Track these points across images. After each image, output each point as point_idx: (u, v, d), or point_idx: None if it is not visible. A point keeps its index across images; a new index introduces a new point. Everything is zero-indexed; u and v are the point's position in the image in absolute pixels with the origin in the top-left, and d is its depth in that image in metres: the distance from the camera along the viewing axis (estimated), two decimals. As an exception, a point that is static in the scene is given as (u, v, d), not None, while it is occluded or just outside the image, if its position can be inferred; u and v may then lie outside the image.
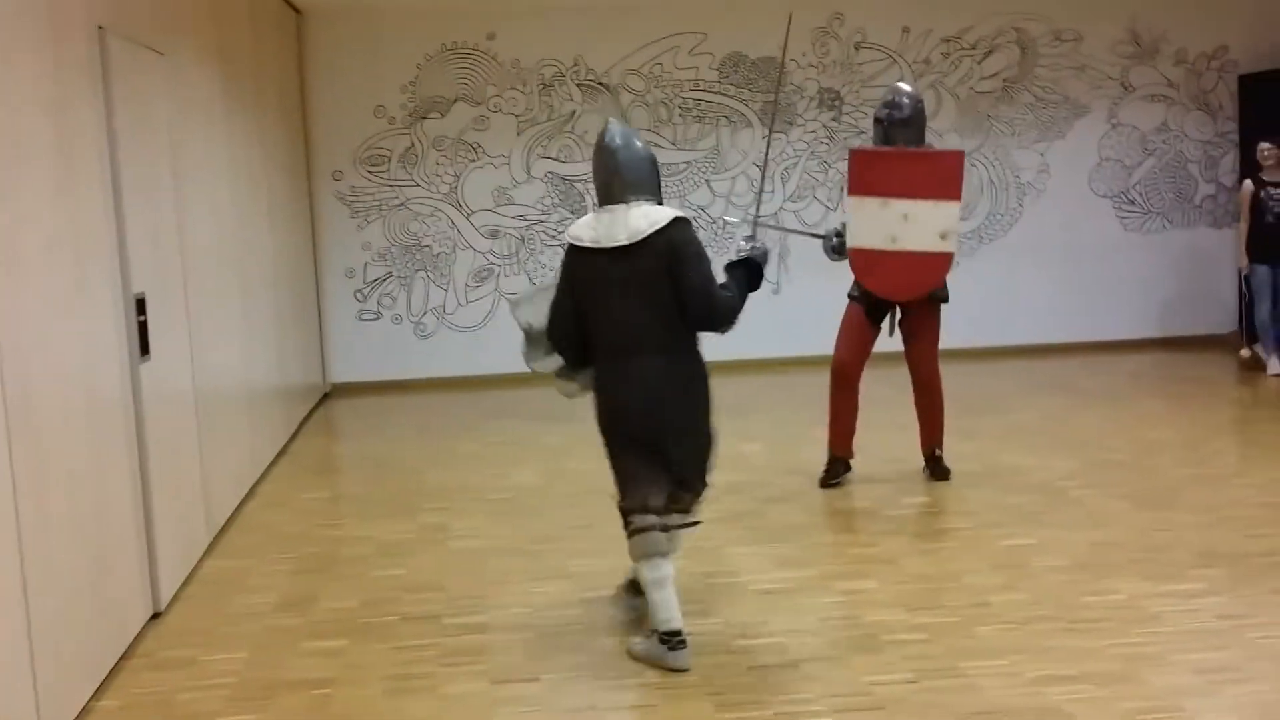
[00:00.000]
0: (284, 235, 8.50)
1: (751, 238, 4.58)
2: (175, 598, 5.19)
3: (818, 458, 6.68)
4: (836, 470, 6.56)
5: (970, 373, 9.66)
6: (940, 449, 6.63)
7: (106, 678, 4.34)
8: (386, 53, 9.93)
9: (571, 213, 10.17)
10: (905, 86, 6.52)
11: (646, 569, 4.29)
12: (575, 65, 10.10)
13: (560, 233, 10.17)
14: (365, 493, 6.93)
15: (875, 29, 10.30)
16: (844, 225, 6.39)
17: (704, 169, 10.25)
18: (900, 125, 6.29)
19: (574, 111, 10.13)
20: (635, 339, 4.23)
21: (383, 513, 6.42)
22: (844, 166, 9.43)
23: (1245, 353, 9.65)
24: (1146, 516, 5.84)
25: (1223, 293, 10.83)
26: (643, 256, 4.19)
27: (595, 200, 4.40)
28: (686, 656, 4.25)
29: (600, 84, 10.13)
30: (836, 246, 6.41)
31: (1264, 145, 9.35)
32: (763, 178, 5.15)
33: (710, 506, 6.17)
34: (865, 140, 9.38)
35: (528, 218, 10.19)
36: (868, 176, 6.17)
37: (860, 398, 6.52)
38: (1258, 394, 8.86)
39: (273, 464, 7.56)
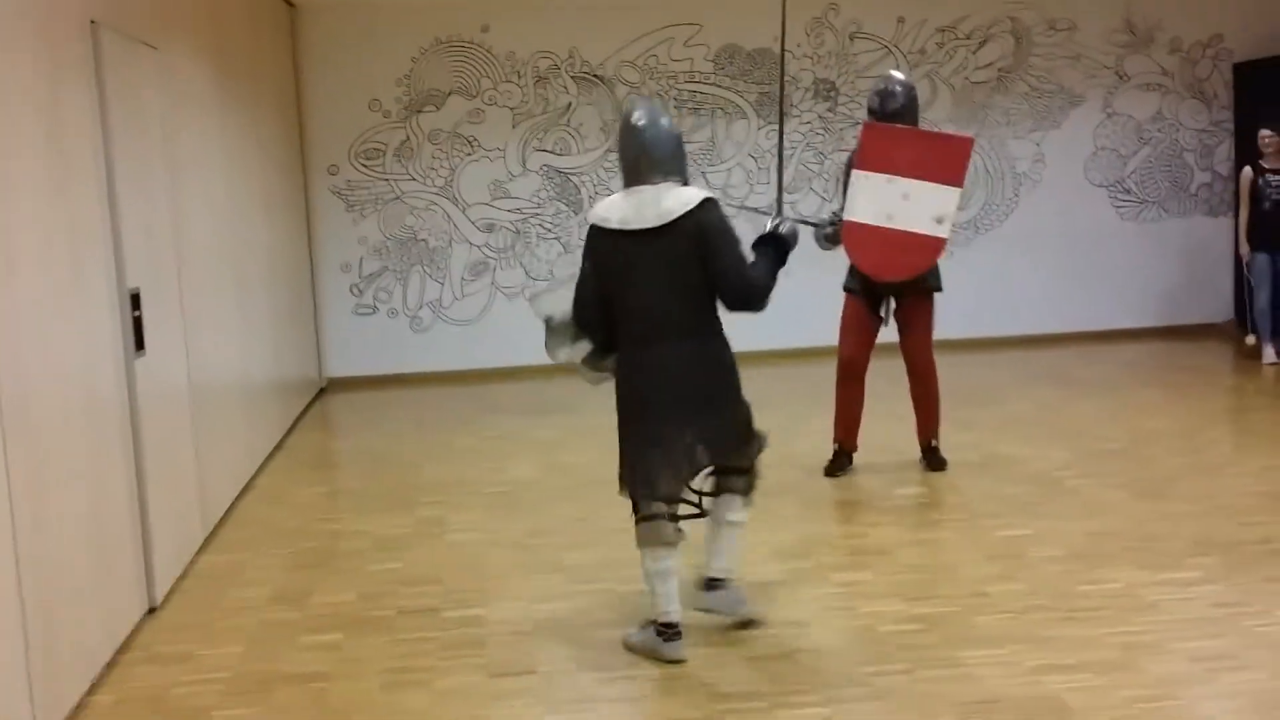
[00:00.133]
0: (279, 230, 8.49)
1: (778, 214, 4.53)
2: (171, 592, 5.19)
3: (814, 449, 6.68)
4: (841, 462, 6.57)
5: (966, 363, 9.65)
6: (937, 439, 6.64)
7: (102, 672, 4.33)
8: (381, 46, 9.91)
9: (567, 205, 10.16)
10: (898, 75, 6.51)
11: (650, 559, 4.28)
12: (570, 58, 10.08)
13: (556, 226, 10.17)
14: (362, 487, 6.92)
15: (870, 19, 10.28)
16: (836, 214, 6.36)
17: (699, 161, 10.23)
18: (894, 114, 6.28)
19: (569, 104, 10.12)
20: (662, 322, 4.17)
21: (379, 507, 6.41)
22: (840, 158, 9.43)
23: (1250, 339, 9.62)
24: (1142, 506, 5.84)
25: (1219, 281, 10.83)
26: (672, 238, 4.11)
27: (622, 179, 4.29)
28: (681, 648, 4.25)
29: (595, 76, 10.11)
30: (831, 235, 6.38)
31: (1265, 132, 9.34)
32: (780, 162, 5.11)
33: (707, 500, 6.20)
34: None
35: (523, 211, 10.18)
36: (876, 152, 6.12)
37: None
38: (1254, 382, 8.87)
39: (269, 459, 7.55)
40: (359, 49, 9.88)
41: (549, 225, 10.19)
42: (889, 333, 6.53)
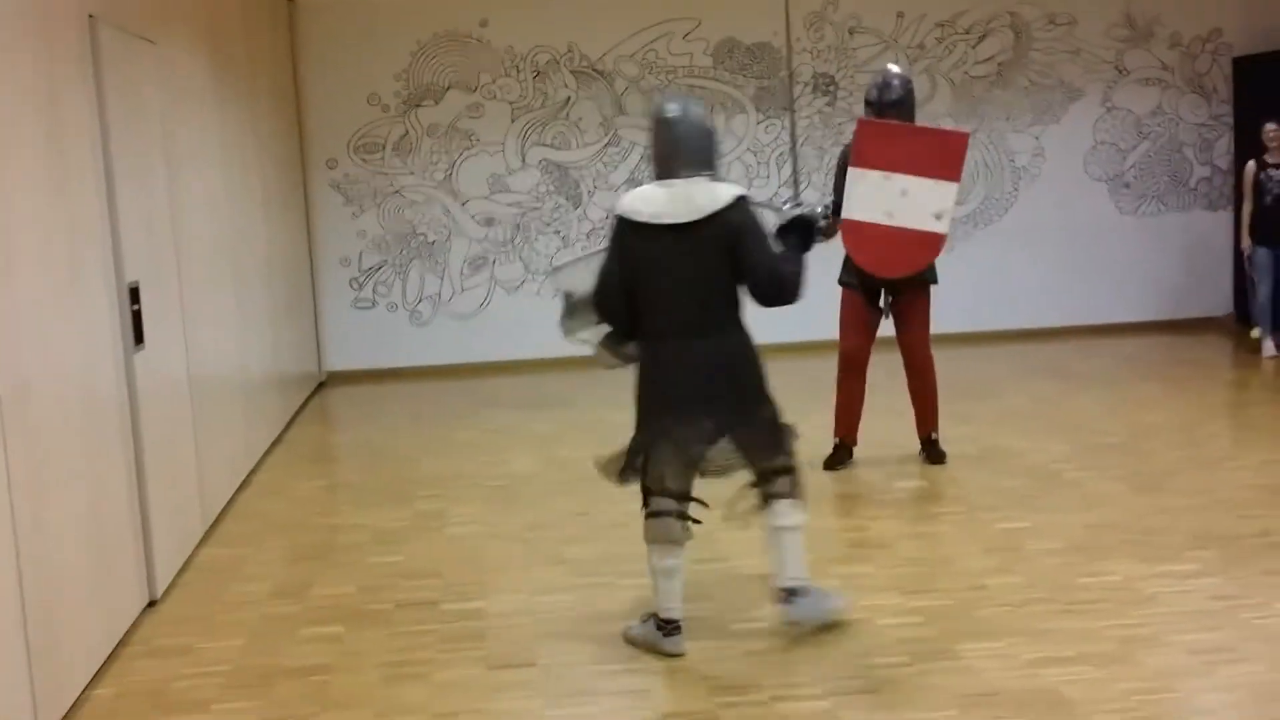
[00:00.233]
0: (278, 224, 8.49)
1: (797, 201, 4.51)
2: (171, 586, 5.19)
3: (812, 442, 6.67)
4: (841, 456, 6.58)
5: (965, 357, 9.67)
6: (936, 433, 6.65)
7: (102, 666, 4.34)
8: (379, 40, 9.91)
9: (566, 200, 10.16)
10: (895, 68, 6.52)
11: (656, 555, 4.27)
12: (569, 52, 10.07)
13: (555, 220, 10.17)
14: (361, 480, 6.93)
15: (869, 14, 10.28)
16: (826, 207, 6.35)
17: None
18: (892, 106, 6.29)
19: (568, 98, 10.11)
20: (688, 317, 4.14)
21: (379, 500, 6.42)
22: (839, 152, 9.42)
23: (1256, 333, 9.61)
24: (1141, 499, 5.85)
25: (1218, 276, 10.83)
26: (703, 234, 4.08)
27: (653, 172, 4.26)
28: (681, 642, 4.25)
29: (594, 71, 10.11)
30: (824, 229, 6.37)
31: (1270, 126, 9.33)
32: (795, 154, 5.13)
33: (703, 491, 6.20)
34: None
35: (522, 205, 10.18)
36: (873, 149, 6.13)
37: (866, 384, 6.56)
38: (1253, 376, 8.87)
39: (268, 452, 7.56)
40: (358, 43, 9.88)
41: (548, 219, 10.19)
42: (887, 326, 6.54)
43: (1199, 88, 10.70)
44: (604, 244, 4.35)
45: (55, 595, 3.93)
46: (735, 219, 4.10)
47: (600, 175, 10.18)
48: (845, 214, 6.14)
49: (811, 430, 6.80)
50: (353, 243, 10.10)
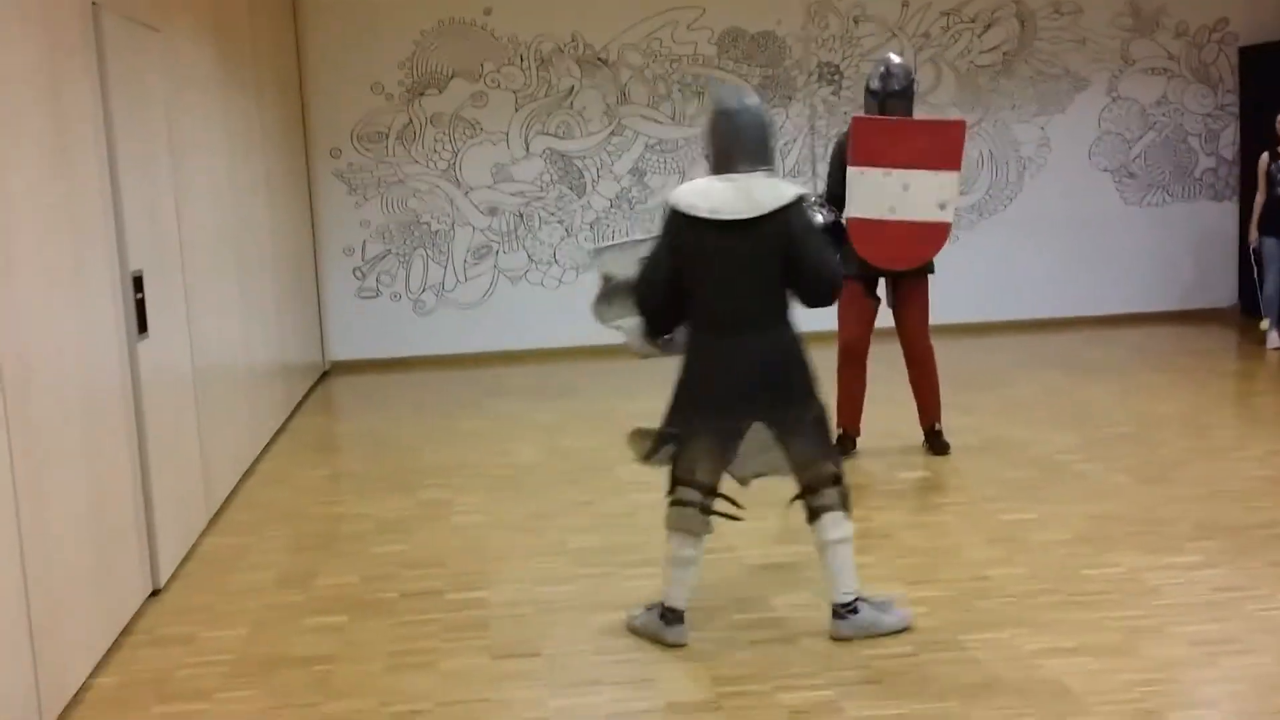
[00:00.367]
0: (282, 213, 8.48)
1: (822, 204, 4.49)
2: (175, 575, 5.20)
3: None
4: (845, 446, 6.58)
5: (970, 348, 9.66)
6: (939, 423, 6.64)
7: (106, 655, 4.35)
8: (383, 28, 9.89)
9: (570, 189, 10.15)
10: (896, 58, 6.50)
11: (675, 544, 4.26)
12: (573, 40, 10.05)
13: (559, 209, 10.16)
14: (365, 470, 6.93)
15: (874, 3, 10.25)
16: (820, 196, 6.33)
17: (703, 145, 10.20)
18: (896, 96, 6.28)
19: (572, 87, 10.09)
20: (740, 314, 4.11)
21: (382, 489, 6.42)
22: (834, 143, 9.39)
23: (1265, 324, 9.58)
24: (1146, 490, 5.84)
25: (1224, 266, 10.81)
26: (761, 231, 4.04)
27: (710, 165, 4.23)
28: (684, 633, 4.26)
29: (599, 59, 10.09)
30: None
31: None
32: (814, 146, 5.14)
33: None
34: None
35: (526, 194, 10.17)
36: (871, 145, 6.13)
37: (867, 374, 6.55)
38: (1258, 367, 8.85)
39: (272, 442, 7.56)
40: (361, 31, 9.86)
41: (552, 209, 10.18)
42: (884, 317, 6.52)
43: (1205, 77, 10.66)
44: (645, 234, 4.30)
45: (58, 584, 3.93)
46: (795, 218, 4.08)
47: (604, 165, 10.16)
48: (849, 213, 6.17)
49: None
50: (356, 232, 10.09)
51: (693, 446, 4.20)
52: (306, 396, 9.04)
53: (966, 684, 3.87)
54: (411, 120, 10.01)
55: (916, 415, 6.68)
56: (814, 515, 4.24)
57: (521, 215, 10.19)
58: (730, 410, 4.13)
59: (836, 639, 4.23)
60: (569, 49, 10.07)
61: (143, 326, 4.95)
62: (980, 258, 10.39)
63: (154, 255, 5.21)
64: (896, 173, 6.06)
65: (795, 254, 4.06)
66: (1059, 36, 10.47)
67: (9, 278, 3.71)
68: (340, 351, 10.18)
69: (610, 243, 5.18)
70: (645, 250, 4.32)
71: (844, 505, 4.24)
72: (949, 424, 6.72)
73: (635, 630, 4.36)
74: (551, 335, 10.22)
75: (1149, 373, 8.61)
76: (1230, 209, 10.77)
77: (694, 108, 10.17)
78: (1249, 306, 10.27)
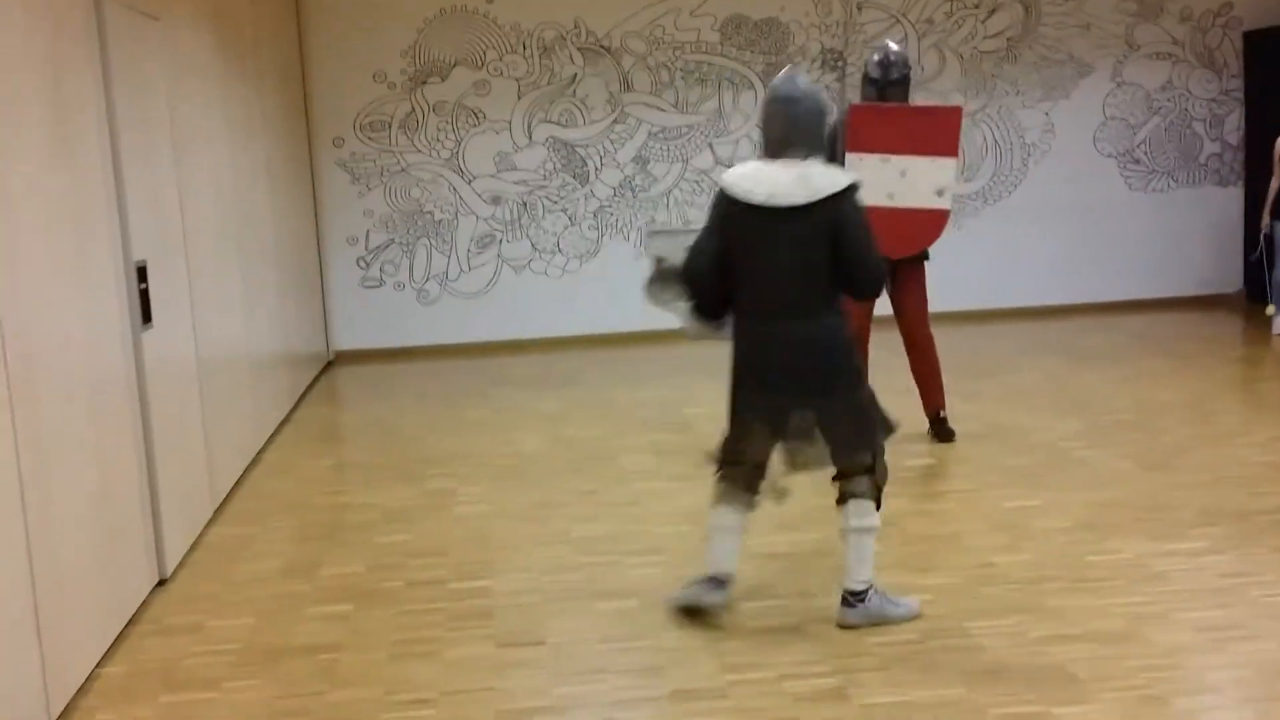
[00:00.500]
0: (285, 202, 8.48)
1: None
2: (181, 565, 5.21)
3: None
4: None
5: (974, 334, 9.65)
6: (944, 410, 6.63)
7: (112, 645, 4.36)
8: (385, 17, 9.87)
9: (573, 177, 10.13)
10: (895, 45, 6.49)
11: (718, 514, 4.37)
12: (575, 28, 10.03)
13: (562, 198, 10.14)
14: (369, 459, 6.94)
15: (877, -11, 10.22)
16: None
17: (706, 132, 10.20)
18: (896, 84, 6.27)
19: (575, 75, 10.07)
20: (788, 299, 4.11)
21: (387, 479, 6.43)
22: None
23: (1270, 310, 9.56)
24: (1150, 476, 5.84)
25: (1228, 252, 10.79)
26: (813, 218, 4.04)
27: (764, 150, 4.20)
28: (723, 596, 4.33)
29: (601, 47, 10.07)
30: None
31: None
32: (837, 140, 5.13)
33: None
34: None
35: (529, 183, 10.15)
36: (868, 133, 6.13)
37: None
38: (1264, 353, 8.84)
39: (277, 432, 7.57)
40: (363, 20, 9.84)
41: (555, 197, 10.17)
42: (881, 305, 6.50)
43: (1209, 62, 10.63)
44: (703, 221, 4.31)
45: (65, 574, 3.94)
46: (848, 206, 4.08)
47: (607, 153, 10.14)
48: None
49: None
50: (359, 221, 10.09)
51: (743, 431, 4.27)
52: (311, 386, 9.05)
53: (972, 671, 3.87)
54: (414, 109, 9.99)
55: (920, 403, 6.67)
56: (842, 499, 4.28)
57: (525, 204, 10.18)
58: (775, 391, 4.16)
59: (843, 626, 4.24)
60: (571, 36, 10.05)
61: (146, 317, 4.95)
62: (984, 244, 10.38)
63: (157, 245, 5.21)
64: (894, 159, 6.05)
65: (845, 240, 4.06)
66: (1063, 22, 10.43)
67: (13, 269, 3.71)
68: (344, 341, 10.18)
69: (664, 227, 5.22)
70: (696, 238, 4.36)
71: (873, 495, 4.25)
72: (953, 411, 6.71)
73: (678, 603, 4.38)
74: (555, 324, 10.22)
75: (1153, 359, 8.60)
76: (1235, 194, 10.75)
77: (697, 95, 10.15)
78: (1255, 292, 10.25)
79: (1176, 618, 4.21)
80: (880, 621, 4.23)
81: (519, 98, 10.06)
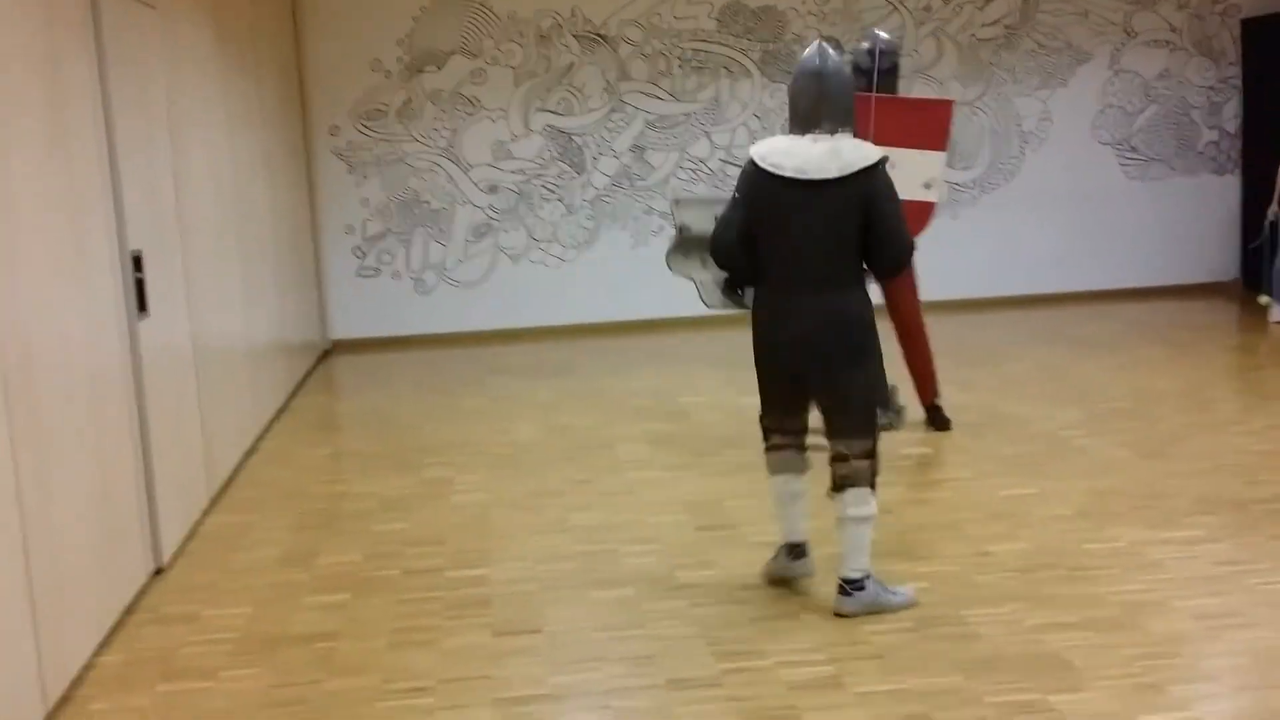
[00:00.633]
0: (281, 191, 8.46)
1: None
2: (178, 553, 5.21)
3: (815, 412, 6.67)
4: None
5: (972, 323, 9.65)
6: (939, 397, 6.63)
7: (109, 633, 4.36)
8: (381, 5, 9.83)
9: (570, 166, 10.12)
10: (885, 34, 6.48)
11: (778, 484, 4.45)
12: (572, 16, 10.00)
13: (559, 186, 10.13)
14: (367, 448, 6.93)
15: (875, -24, 10.20)
16: None
17: (703, 120, 10.18)
18: (886, 74, 6.27)
19: (571, 64, 10.05)
20: (814, 273, 4.12)
21: (384, 468, 6.43)
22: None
23: (1263, 299, 9.56)
24: (1147, 464, 5.84)
25: (1225, 240, 10.79)
26: (842, 191, 4.05)
27: (793, 124, 4.21)
28: (809, 564, 4.43)
29: (598, 35, 10.04)
30: None
31: None
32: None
33: (709, 460, 6.22)
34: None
35: (526, 172, 10.14)
36: (859, 123, 6.11)
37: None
38: (1260, 341, 8.85)
39: (274, 421, 7.57)
40: (359, 8, 9.81)
41: (552, 186, 10.15)
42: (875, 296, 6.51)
43: (1207, 50, 10.61)
44: (729, 191, 4.34)
45: (62, 563, 3.94)
46: (878, 180, 4.09)
47: (604, 142, 10.13)
48: None
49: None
50: (356, 210, 10.07)
51: (772, 398, 4.36)
52: (307, 375, 9.04)
53: (968, 659, 3.88)
54: (411, 98, 9.97)
55: (914, 392, 6.67)
56: (839, 486, 4.27)
57: (521, 193, 10.16)
58: (792, 362, 4.21)
59: (839, 614, 4.24)
60: (568, 25, 10.02)
61: (143, 306, 4.94)
62: (981, 233, 10.37)
63: (153, 234, 5.20)
64: (882, 150, 6.05)
65: (874, 215, 4.08)
66: (1061, 9, 10.41)
67: (8, 258, 3.70)
68: (341, 330, 10.17)
69: (690, 195, 5.26)
70: (721, 208, 4.40)
71: (870, 481, 4.26)
72: (950, 400, 6.71)
73: (768, 576, 4.52)
74: (552, 313, 10.22)
75: (1150, 347, 8.60)
76: (1233, 183, 10.74)
77: (694, 83, 10.13)
78: (1250, 280, 10.25)
79: (1173, 606, 4.22)
80: (877, 610, 4.24)
81: (516, 86, 10.04)
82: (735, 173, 9.84)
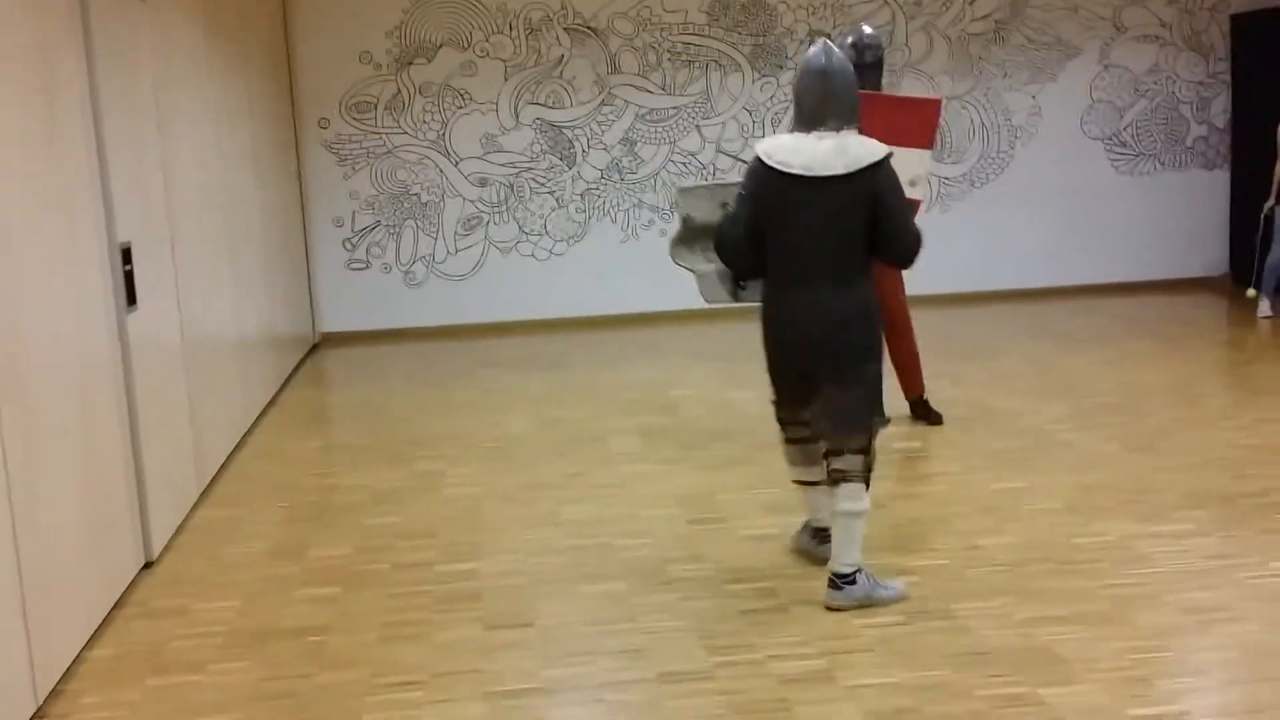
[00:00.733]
0: (270, 184, 8.44)
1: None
2: (167, 547, 5.20)
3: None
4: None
5: (961, 317, 9.67)
6: (925, 392, 6.63)
7: (99, 627, 4.35)
8: (371, -2, 9.81)
9: (560, 159, 10.10)
10: (868, 29, 6.49)
11: (796, 474, 4.55)
12: (562, 9, 9.98)
13: (549, 179, 10.11)
14: (357, 441, 6.92)
15: (865, -30, 10.19)
16: None
17: (694, 114, 10.17)
18: (869, 68, 6.27)
19: (562, 56, 10.03)
20: (820, 268, 4.16)
21: (375, 461, 6.42)
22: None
23: (1251, 292, 9.59)
24: (1136, 459, 5.86)
25: (1214, 235, 10.82)
26: (849, 188, 4.09)
27: (799, 122, 4.26)
28: (829, 550, 4.44)
29: (588, 28, 10.02)
30: None
31: None
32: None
33: (700, 454, 6.22)
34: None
35: (516, 165, 10.12)
36: None
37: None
38: (1248, 336, 8.87)
39: (263, 414, 7.55)
40: (349, 0, 9.77)
41: (542, 179, 10.14)
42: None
43: (1197, 45, 10.63)
44: (729, 177, 4.37)
45: (51, 557, 3.92)
46: (883, 176, 4.13)
47: (594, 135, 10.11)
48: None
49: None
50: (345, 203, 10.04)
51: (783, 391, 4.41)
52: (297, 368, 9.02)
53: (958, 653, 3.89)
54: (400, 90, 9.94)
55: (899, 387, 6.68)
56: (833, 480, 4.29)
57: (512, 186, 10.14)
58: (800, 359, 4.24)
59: (830, 608, 4.25)
60: (558, 17, 10.00)
61: (131, 299, 4.92)
62: (971, 227, 10.38)
63: (142, 227, 5.18)
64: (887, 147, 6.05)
65: (881, 210, 4.12)
66: (1051, 4, 10.42)
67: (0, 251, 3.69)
68: (331, 323, 10.15)
69: (694, 184, 5.29)
70: (728, 195, 4.43)
71: (865, 477, 4.27)
72: (940, 394, 6.72)
73: (796, 550, 4.69)
74: (542, 306, 10.21)
75: (1139, 342, 8.63)
76: (1221, 177, 10.76)
77: (684, 76, 10.12)
78: (1240, 275, 10.28)
79: (1162, 600, 4.23)
80: (867, 604, 4.25)
81: (505, 79, 10.01)
82: (726, 165, 9.91)
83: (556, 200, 10.16)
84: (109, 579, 4.51)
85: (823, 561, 4.44)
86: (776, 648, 3.98)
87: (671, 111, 10.16)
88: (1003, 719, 3.49)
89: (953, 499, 5.42)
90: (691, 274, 4.71)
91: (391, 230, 10.10)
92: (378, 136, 9.98)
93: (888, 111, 6.12)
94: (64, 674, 3.98)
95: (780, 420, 4.51)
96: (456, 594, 4.55)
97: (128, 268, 4.89)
